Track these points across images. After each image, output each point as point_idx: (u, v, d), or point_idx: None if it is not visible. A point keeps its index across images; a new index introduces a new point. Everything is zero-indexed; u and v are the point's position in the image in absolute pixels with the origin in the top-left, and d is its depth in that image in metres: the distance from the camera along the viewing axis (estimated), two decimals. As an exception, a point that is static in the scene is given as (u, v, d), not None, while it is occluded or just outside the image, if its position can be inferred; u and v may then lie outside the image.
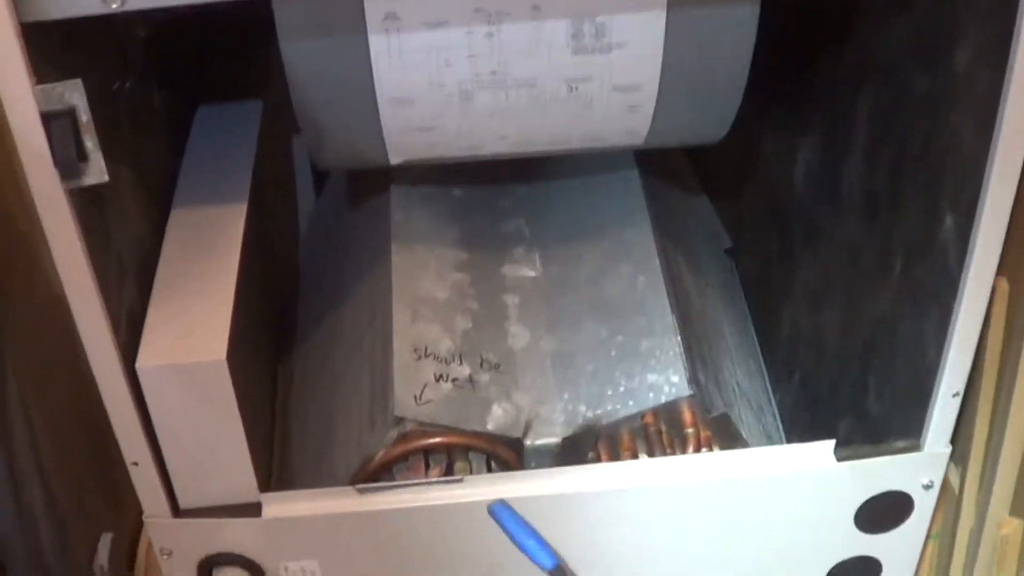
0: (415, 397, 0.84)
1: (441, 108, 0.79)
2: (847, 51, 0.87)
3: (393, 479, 0.83)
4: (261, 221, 0.95)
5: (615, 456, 0.85)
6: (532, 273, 0.98)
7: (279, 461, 0.98)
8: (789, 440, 1.00)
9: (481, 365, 0.89)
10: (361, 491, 0.81)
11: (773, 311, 1.05)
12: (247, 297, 0.85)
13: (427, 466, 0.83)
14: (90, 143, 0.65)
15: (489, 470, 0.84)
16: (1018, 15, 0.63)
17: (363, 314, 0.95)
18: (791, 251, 1.00)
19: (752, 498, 0.83)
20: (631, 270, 0.94)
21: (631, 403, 0.87)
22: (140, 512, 0.80)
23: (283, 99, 0.79)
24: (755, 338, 1.08)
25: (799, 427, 0.99)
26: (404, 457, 0.83)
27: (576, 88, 0.78)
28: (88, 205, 0.69)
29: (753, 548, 0.86)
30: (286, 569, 0.83)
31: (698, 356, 0.90)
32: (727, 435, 0.87)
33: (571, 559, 0.82)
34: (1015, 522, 0.82)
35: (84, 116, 0.64)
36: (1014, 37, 0.63)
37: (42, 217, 0.66)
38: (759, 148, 1.05)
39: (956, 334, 0.74)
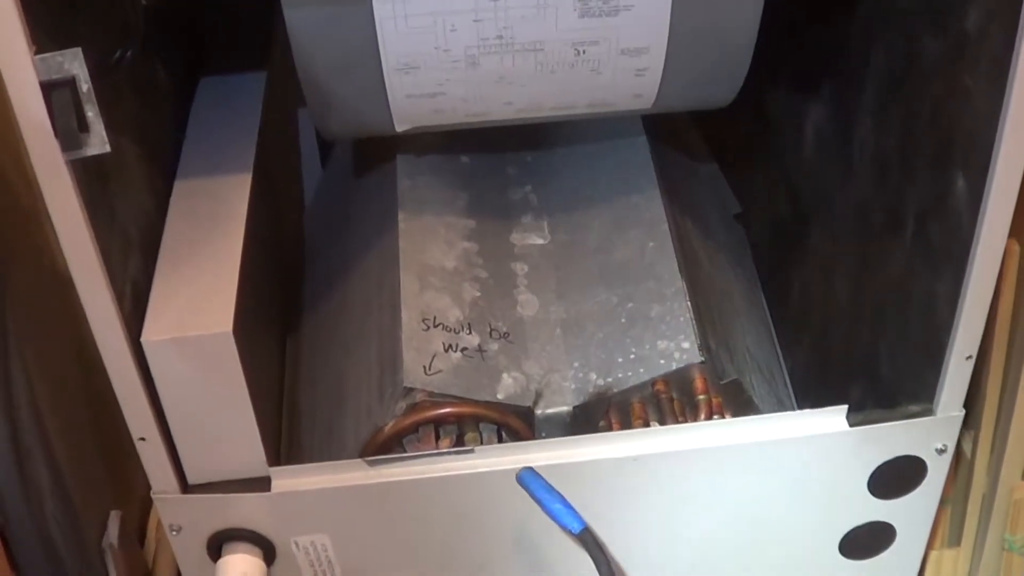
0: (424, 367, 0.84)
1: (447, 74, 0.78)
2: (857, 13, 0.86)
3: (403, 451, 0.83)
4: (266, 193, 0.95)
5: (626, 424, 0.85)
6: (540, 241, 0.97)
7: (288, 434, 0.98)
8: (801, 406, 1.00)
9: (490, 334, 0.88)
10: (371, 463, 0.80)
11: (783, 276, 1.04)
12: (253, 269, 0.84)
13: (437, 437, 0.83)
14: (91, 113, 0.64)
15: (500, 440, 0.84)
16: (1031, -26, 0.62)
17: (370, 284, 0.95)
18: (801, 215, 1.00)
19: (764, 464, 0.82)
20: (640, 236, 0.94)
21: (642, 370, 0.86)
22: (148, 488, 0.80)
23: (288, 70, 0.78)
24: (765, 303, 1.08)
25: (811, 393, 0.99)
26: (414, 428, 0.82)
27: (583, 52, 0.77)
28: (91, 177, 0.68)
29: (766, 515, 0.85)
30: (296, 543, 0.83)
31: (708, 322, 0.90)
32: (739, 402, 0.87)
33: (584, 528, 0.82)
34: (1029, 486, 0.82)
35: (85, 86, 0.63)
36: (1027, -3, 0.62)
37: (44, 189, 0.65)
38: (768, 112, 1.04)
39: (969, 296, 0.74)
